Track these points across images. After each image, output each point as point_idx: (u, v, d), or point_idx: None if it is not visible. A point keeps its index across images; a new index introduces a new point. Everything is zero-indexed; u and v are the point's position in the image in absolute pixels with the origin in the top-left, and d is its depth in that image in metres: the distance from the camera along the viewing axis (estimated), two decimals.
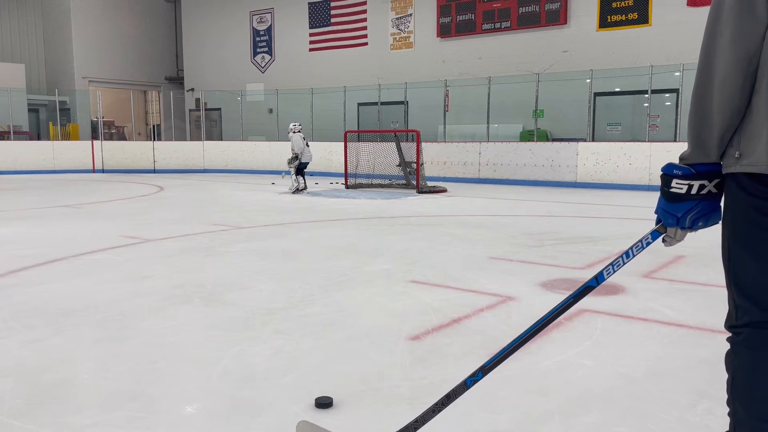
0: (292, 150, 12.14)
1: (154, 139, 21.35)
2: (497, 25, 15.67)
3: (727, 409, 1.63)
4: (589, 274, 4.56)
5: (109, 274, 4.75)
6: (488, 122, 14.86)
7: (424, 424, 1.86)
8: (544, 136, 14.62)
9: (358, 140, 14.09)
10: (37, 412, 2.36)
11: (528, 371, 2.74)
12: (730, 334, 1.61)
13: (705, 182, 1.54)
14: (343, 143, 13.59)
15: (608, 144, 13.04)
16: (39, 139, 19.79)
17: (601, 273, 1.73)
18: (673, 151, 11.13)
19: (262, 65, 20.79)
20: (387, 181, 13.26)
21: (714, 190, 1.55)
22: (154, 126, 24.59)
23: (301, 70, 19.55)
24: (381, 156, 13.26)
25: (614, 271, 1.72)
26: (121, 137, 22.50)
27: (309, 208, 9.45)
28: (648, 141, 12.74)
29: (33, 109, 20.54)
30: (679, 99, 12.96)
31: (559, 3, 14.74)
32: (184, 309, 3.78)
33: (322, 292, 4.18)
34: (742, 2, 1.40)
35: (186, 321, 3.55)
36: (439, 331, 3.33)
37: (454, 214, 8.72)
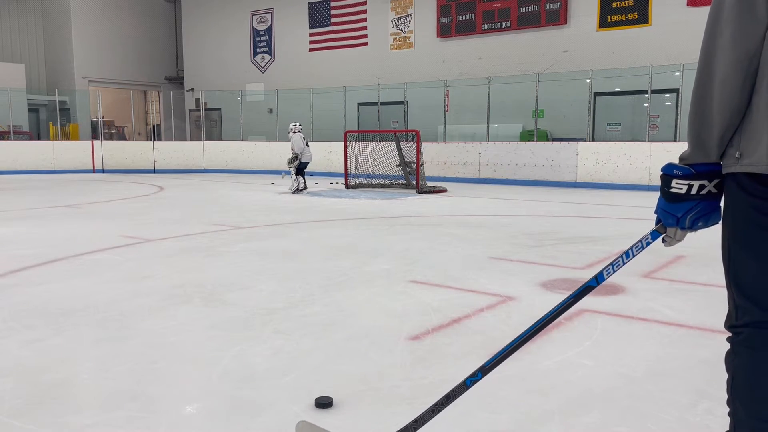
0: (292, 150, 12.14)
1: (154, 139, 21.35)
2: (497, 25, 15.67)
3: (727, 409, 1.62)
4: (589, 274, 4.56)
5: (109, 274, 4.75)
6: (488, 122, 14.86)
7: (423, 424, 1.86)
8: (544, 136, 14.62)
9: (358, 140, 14.09)
10: (37, 412, 2.36)
11: (528, 371, 2.74)
12: (730, 334, 1.61)
13: (705, 182, 1.54)
14: (343, 143, 13.59)
15: (608, 144, 13.04)
16: (39, 139, 19.80)
17: (600, 273, 1.73)
18: (673, 151, 11.13)
19: (262, 65, 20.79)
20: (387, 181, 13.26)
21: (714, 190, 1.55)
22: (154, 126, 24.59)
23: (301, 70, 19.55)
24: (381, 156, 13.26)
25: (614, 271, 1.72)
26: (121, 137, 22.50)
27: (309, 208, 9.45)
28: (648, 141, 12.74)
29: (33, 109, 20.54)
30: (679, 99, 12.96)
31: (559, 3, 14.75)
32: (184, 309, 3.78)
33: (322, 292, 4.18)
34: (742, 2, 1.40)
35: (186, 321, 3.55)
36: (439, 331, 3.33)
37: (454, 214, 8.72)
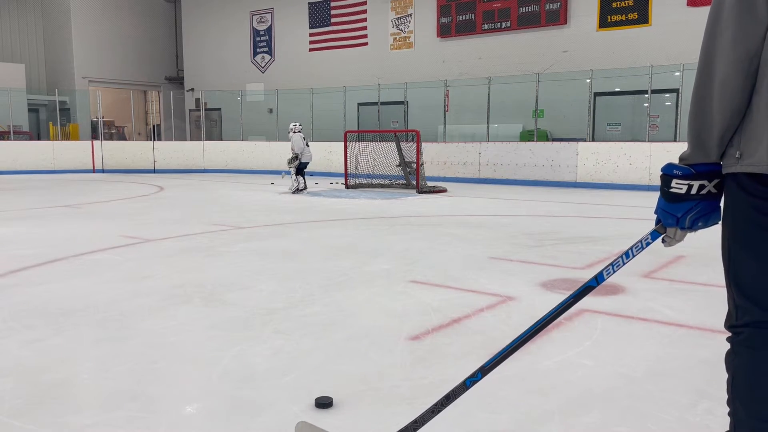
0: (292, 150, 12.14)
1: (154, 139, 21.35)
2: (497, 25, 15.67)
3: (727, 409, 1.63)
4: (589, 274, 4.56)
5: (109, 274, 4.75)
6: (488, 122, 14.86)
7: (423, 424, 1.86)
8: (544, 136, 14.62)
9: (358, 140, 14.09)
10: (37, 412, 2.36)
11: (528, 371, 2.74)
12: (730, 334, 1.61)
13: (705, 182, 1.54)
14: (343, 143, 13.59)
15: (608, 144, 13.04)
16: (39, 139, 19.80)
17: (600, 273, 1.73)
18: (673, 151, 11.13)
19: (262, 65, 20.80)
20: (387, 181, 13.26)
21: (714, 191, 1.55)
22: (154, 126, 24.59)
23: (301, 70, 19.55)
24: (381, 156, 13.26)
25: (614, 272, 1.72)
26: (121, 137, 22.50)
27: (309, 208, 9.45)
28: (648, 141, 12.74)
29: (33, 109, 20.54)
30: (679, 99, 12.96)
31: (559, 3, 14.74)
32: (184, 309, 3.78)
33: (322, 292, 4.18)
34: (743, 3, 1.40)
35: (186, 321, 3.55)
36: (439, 331, 3.33)
37: (454, 214, 8.72)
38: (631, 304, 3.84)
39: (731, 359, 1.60)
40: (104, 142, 18.39)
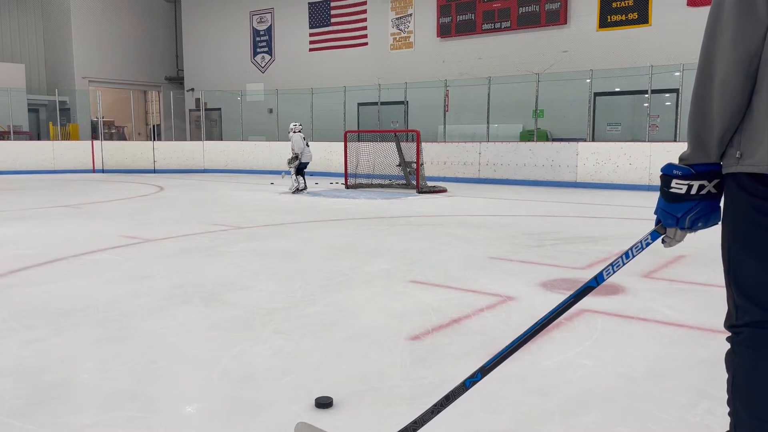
0: (292, 150, 12.14)
1: (154, 139, 21.35)
2: (497, 25, 15.67)
3: (727, 409, 1.63)
4: (589, 274, 4.56)
5: (109, 274, 4.75)
6: (488, 122, 14.86)
7: (423, 425, 1.86)
8: (544, 136, 14.62)
9: (358, 140, 14.09)
10: (37, 412, 2.36)
11: (528, 371, 2.74)
12: (729, 334, 1.61)
13: (704, 182, 1.54)
14: (343, 143, 13.59)
15: (608, 144, 13.04)
16: (39, 139, 19.80)
17: (600, 274, 1.73)
18: (673, 151, 11.13)
19: (262, 65, 20.80)
20: (387, 181, 13.26)
21: (713, 191, 1.55)
22: (154, 126, 24.59)
23: (301, 70, 19.55)
24: (381, 156, 13.26)
25: (614, 272, 1.72)
26: (121, 137, 22.50)
27: (309, 208, 9.45)
28: (648, 141, 12.74)
29: (33, 109, 20.54)
30: (679, 99, 12.96)
31: (559, 3, 14.74)
32: (184, 309, 3.78)
33: (322, 292, 4.18)
34: (743, 3, 1.40)
35: (186, 321, 3.55)
36: (439, 331, 3.33)
37: (454, 214, 8.72)
38: (631, 304, 3.84)
39: (731, 359, 1.60)
40: (104, 142, 18.39)
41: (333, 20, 18.92)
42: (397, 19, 17.64)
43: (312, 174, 14.31)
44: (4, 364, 2.86)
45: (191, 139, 21.15)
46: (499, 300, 3.96)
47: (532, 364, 2.81)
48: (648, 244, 1.68)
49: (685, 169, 1.55)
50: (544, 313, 1.78)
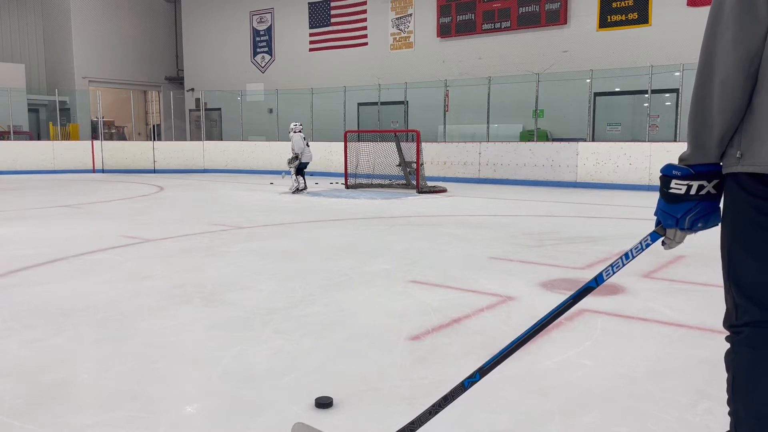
0: (293, 150, 12.14)
1: (154, 139, 21.35)
2: (497, 25, 15.67)
3: (727, 409, 1.63)
4: (589, 274, 4.56)
5: (109, 274, 4.75)
6: (488, 122, 14.86)
7: (421, 426, 1.86)
8: (544, 136, 14.62)
9: (358, 140, 14.09)
10: (37, 412, 2.36)
11: (528, 371, 2.74)
12: (729, 334, 1.61)
13: (704, 183, 1.54)
14: (343, 143, 13.59)
15: (608, 144, 13.04)
16: (39, 139, 19.79)
17: (600, 274, 1.73)
18: (673, 151, 11.13)
19: (262, 65, 20.80)
20: (387, 181, 13.26)
21: (713, 191, 1.55)
22: (154, 126, 24.59)
23: (301, 70, 19.55)
24: (381, 156, 13.26)
25: (614, 273, 1.72)
26: (121, 137, 22.51)
27: (309, 208, 9.45)
28: (648, 141, 12.74)
29: (33, 109, 20.54)
30: (679, 99, 12.96)
31: (559, 3, 14.74)
32: (184, 309, 3.78)
33: (322, 292, 4.18)
34: (743, 3, 1.40)
35: (186, 321, 3.55)
36: (439, 331, 3.33)
37: (454, 214, 8.72)
38: (631, 304, 3.84)
39: (731, 359, 1.60)
40: (104, 142, 18.39)
41: (333, 20, 18.93)
42: (397, 19, 17.64)
43: (312, 174, 14.31)
44: (4, 364, 2.86)
45: (191, 139, 21.15)
46: (499, 300, 3.96)
47: (532, 364, 2.81)
48: (648, 246, 1.68)
49: (685, 169, 1.55)
50: (544, 313, 1.78)
